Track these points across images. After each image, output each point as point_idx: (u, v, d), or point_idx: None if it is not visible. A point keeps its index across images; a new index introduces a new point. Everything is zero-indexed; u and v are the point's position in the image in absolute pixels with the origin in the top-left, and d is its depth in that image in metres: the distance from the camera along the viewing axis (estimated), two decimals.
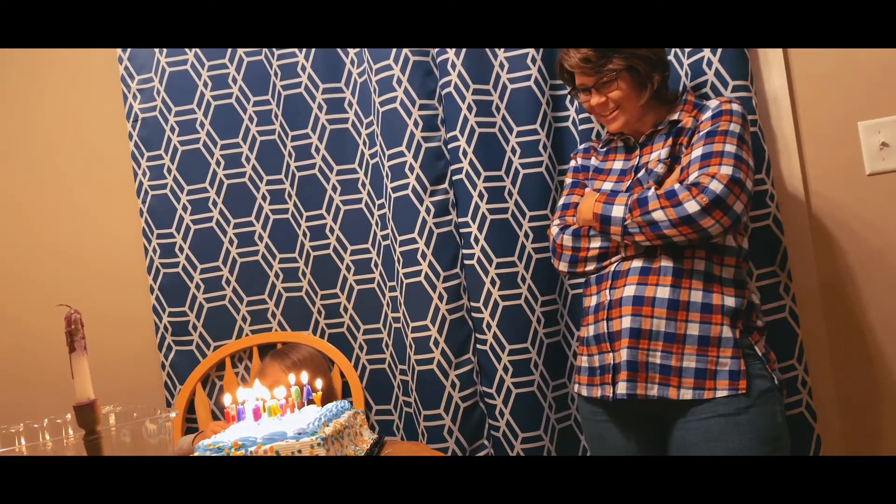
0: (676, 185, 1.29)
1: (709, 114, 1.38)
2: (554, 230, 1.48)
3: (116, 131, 2.03)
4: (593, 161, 1.54)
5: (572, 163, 1.59)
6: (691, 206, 1.25)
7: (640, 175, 1.41)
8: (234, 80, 1.97)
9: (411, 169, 1.75)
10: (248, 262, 1.96)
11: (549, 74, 1.75)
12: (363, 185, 1.91)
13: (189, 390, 1.91)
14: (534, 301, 1.74)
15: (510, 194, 1.75)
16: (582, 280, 1.67)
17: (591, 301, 1.43)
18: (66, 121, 2.08)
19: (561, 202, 1.53)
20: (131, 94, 1.99)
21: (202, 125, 1.97)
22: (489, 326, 1.72)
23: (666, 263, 1.33)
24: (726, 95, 1.46)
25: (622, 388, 1.32)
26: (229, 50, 1.96)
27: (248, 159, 1.97)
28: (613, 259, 1.40)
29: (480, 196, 1.72)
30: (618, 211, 1.33)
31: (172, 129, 1.97)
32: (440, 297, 1.74)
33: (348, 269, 1.92)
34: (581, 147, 1.61)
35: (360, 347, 1.93)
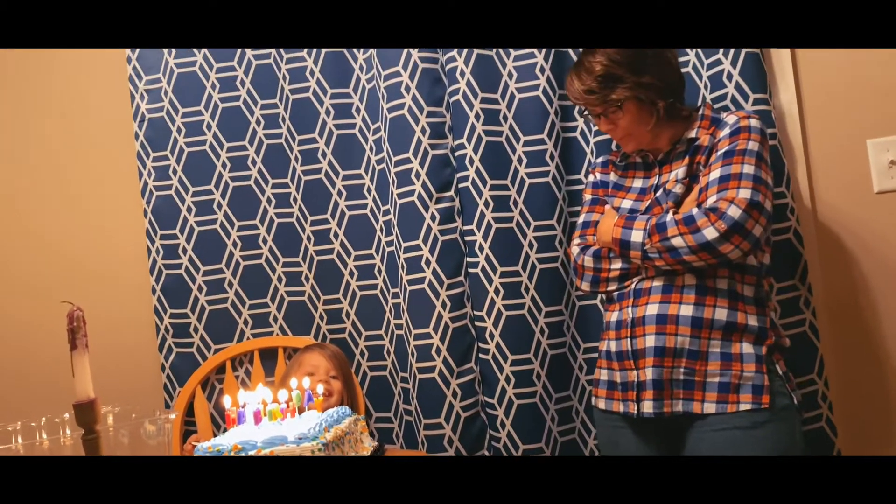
0: (695, 210, 1.28)
1: (727, 131, 1.34)
2: (575, 250, 1.47)
3: (123, 131, 2.03)
4: (612, 177, 1.52)
5: (591, 178, 1.56)
6: (710, 233, 1.24)
7: (658, 195, 1.39)
8: (242, 83, 1.97)
9: (417, 175, 1.74)
10: (251, 265, 1.95)
11: (557, 84, 1.74)
12: (368, 190, 1.90)
13: (189, 393, 1.90)
14: (537, 311, 1.73)
15: (515, 203, 1.75)
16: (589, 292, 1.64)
17: (612, 317, 1.41)
18: (72, 120, 2.08)
19: (581, 220, 1.50)
20: (139, 94, 1.99)
21: (209, 127, 1.97)
22: (492, 336, 1.71)
23: (689, 282, 1.32)
24: (745, 110, 1.40)
25: (648, 406, 1.31)
26: (238, 52, 1.96)
27: (254, 162, 1.96)
28: (635, 278, 1.38)
29: (486, 204, 1.72)
30: (636, 236, 1.32)
31: (179, 131, 1.97)
32: (443, 305, 1.73)
33: (351, 274, 1.91)
34: (598, 161, 1.57)
35: (362, 354, 1.91)
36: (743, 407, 1.27)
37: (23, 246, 2.08)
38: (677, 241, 1.27)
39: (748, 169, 1.28)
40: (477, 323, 1.74)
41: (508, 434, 1.70)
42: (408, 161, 1.75)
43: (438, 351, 1.72)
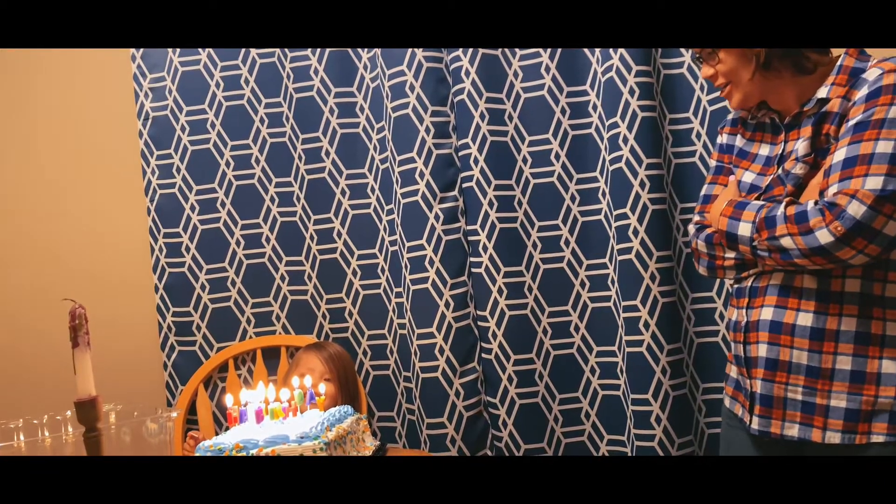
0: (810, 205, 1.05)
1: (863, 92, 1.05)
2: (691, 229, 1.27)
3: (127, 129, 2.03)
4: (738, 140, 1.27)
5: (719, 139, 1.32)
6: (823, 236, 1.01)
7: (780, 172, 1.16)
8: (247, 82, 1.96)
9: (421, 175, 1.74)
10: (254, 263, 1.95)
11: (564, 83, 1.73)
12: (372, 189, 1.90)
13: (191, 391, 1.90)
14: (540, 312, 1.73)
15: (519, 203, 1.74)
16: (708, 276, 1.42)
17: (732, 316, 1.23)
18: (76, 117, 2.08)
19: (703, 191, 1.29)
20: (143, 92, 1.99)
21: (213, 125, 1.97)
22: (495, 335, 1.70)
23: (809, 284, 1.10)
24: (892, 61, 1.07)
25: (755, 423, 1.15)
26: (242, 51, 1.96)
27: (257, 161, 1.96)
28: (752, 271, 1.18)
29: (490, 204, 1.71)
30: (744, 229, 1.12)
31: (183, 129, 1.97)
32: (447, 305, 1.72)
33: (355, 273, 1.91)
34: (729, 118, 1.32)
35: (364, 353, 1.91)
36: (875, 439, 1.05)
37: (26, 243, 2.08)
38: (787, 242, 1.06)
39: (883, 147, 1.00)
40: (480, 323, 1.73)
41: (510, 434, 1.69)
42: (412, 160, 1.75)
43: (442, 350, 1.71)
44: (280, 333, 1.94)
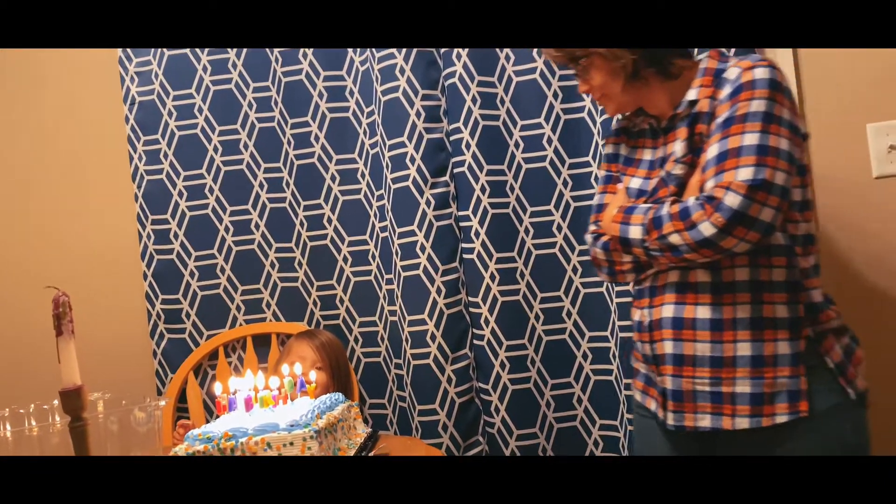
0: (691, 201, 1.11)
1: (727, 91, 1.13)
2: (588, 238, 1.31)
3: (113, 114, 2.00)
4: (623, 149, 1.34)
5: (605, 149, 1.38)
6: (706, 229, 1.08)
7: (662, 174, 1.23)
8: (234, 66, 1.93)
9: (412, 160, 1.72)
10: (243, 250, 1.93)
11: (557, 66, 1.71)
12: (362, 175, 1.88)
13: (181, 379, 1.88)
14: (532, 297, 1.72)
15: (511, 189, 1.73)
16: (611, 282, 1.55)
17: (635, 315, 1.28)
18: (61, 103, 2.04)
19: (595, 201, 1.34)
20: (129, 76, 1.96)
21: (200, 110, 1.94)
22: (487, 322, 1.69)
23: (703, 278, 1.15)
24: (752, 56, 1.16)
25: (671, 418, 1.19)
26: None
27: (246, 146, 1.93)
28: (649, 272, 1.23)
29: (482, 190, 1.70)
30: (635, 232, 1.17)
31: (170, 114, 1.94)
32: (438, 291, 1.71)
33: (345, 260, 1.89)
34: (612, 128, 1.40)
35: (356, 340, 1.90)
36: (780, 419, 1.11)
37: (11, 231, 2.05)
38: (675, 239, 1.11)
39: (750, 139, 1.08)
40: (472, 309, 1.72)
41: (503, 419, 1.69)
42: (402, 145, 1.73)
43: (433, 337, 1.70)
44: (270, 321, 1.93)
